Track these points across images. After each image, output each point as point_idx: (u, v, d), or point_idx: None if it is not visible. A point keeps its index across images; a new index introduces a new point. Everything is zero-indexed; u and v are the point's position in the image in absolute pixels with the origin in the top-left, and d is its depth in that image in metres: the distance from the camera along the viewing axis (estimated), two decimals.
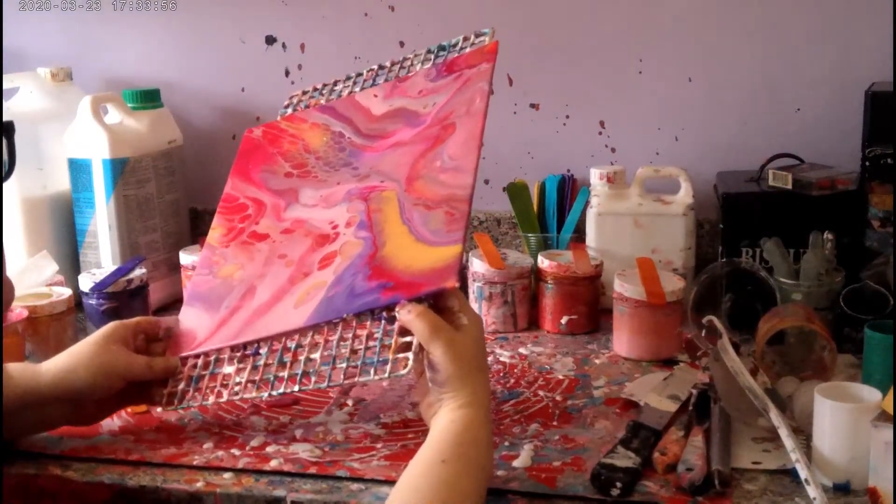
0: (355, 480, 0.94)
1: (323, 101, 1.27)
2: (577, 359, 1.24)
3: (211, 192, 1.58)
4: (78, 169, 1.43)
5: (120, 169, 1.42)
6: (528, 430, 1.03)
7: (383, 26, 1.56)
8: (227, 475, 0.96)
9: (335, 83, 1.29)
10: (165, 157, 1.50)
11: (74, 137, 1.43)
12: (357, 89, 1.25)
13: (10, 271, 1.30)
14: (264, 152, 1.24)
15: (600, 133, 1.55)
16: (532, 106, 1.56)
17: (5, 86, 1.47)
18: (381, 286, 0.98)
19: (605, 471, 0.91)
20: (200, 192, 1.64)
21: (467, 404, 0.89)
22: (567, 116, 1.55)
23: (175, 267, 1.46)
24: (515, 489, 0.91)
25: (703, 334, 1.15)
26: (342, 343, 0.97)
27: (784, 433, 0.91)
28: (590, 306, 1.33)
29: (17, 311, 1.18)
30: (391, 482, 0.86)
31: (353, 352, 0.96)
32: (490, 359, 1.24)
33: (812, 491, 0.85)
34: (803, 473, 0.87)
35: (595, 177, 1.41)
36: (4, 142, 1.01)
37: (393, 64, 1.25)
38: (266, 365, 1.01)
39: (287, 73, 1.62)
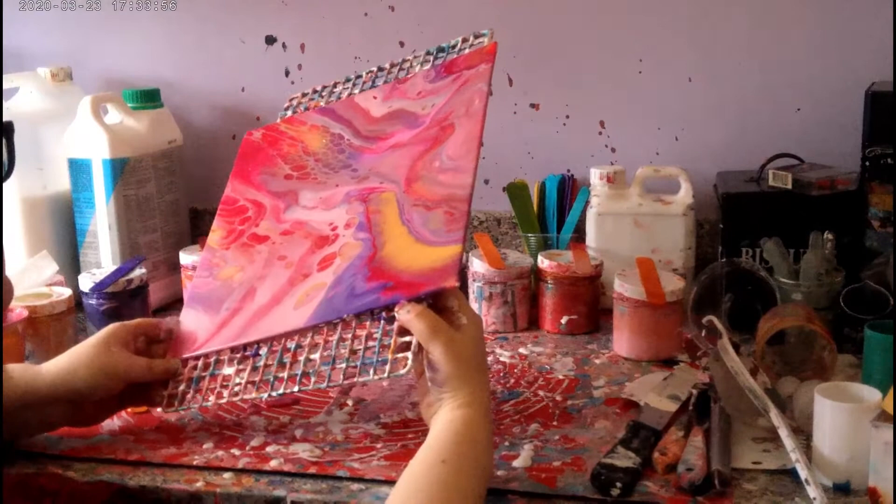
0: (355, 480, 0.94)
1: (322, 103, 1.27)
2: (577, 359, 1.24)
3: (211, 192, 1.58)
4: (78, 169, 1.43)
5: (120, 169, 1.42)
6: (528, 430, 1.03)
7: (383, 26, 1.56)
8: (227, 475, 0.96)
9: (334, 85, 1.29)
10: (165, 157, 1.50)
11: (74, 137, 1.43)
12: (356, 91, 1.25)
13: (10, 271, 1.30)
14: (264, 154, 1.24)
15: (600, 133, 1.55)
16: (532, 106, 1.56)
17: (5, 86, 1.47)
18: (381, 286, 0.98)
19: (605, 471, 0.91)
20: (200, 192, 1.64)
21: (467, 404, 0.89)
22: (567, 116, 1.55)
23: (175, 267, 1.46)
24: (515, 489, 0.91)
25: (703, 334, 1.15)
26: (342, 343, 0.98)
27: (784, 433, 0.91)
28: (590, 306, 1.33)
29: (17, 311, 1.18)
30: (391, 482, 0.86)
31: (353, 352, 0.96)
32: (490, 359, 1.24)
33: (812, 491, 0.85)
34: (803, 473, 0.87)
35: (595, 177, 1.41)
36: (4, 142, 1.01)
37: (392, 65, 1.25)
38: (266, 366, 1.01)
39: (287, 73, 1.62)
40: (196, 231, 1.59)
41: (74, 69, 1.59)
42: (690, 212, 1.37)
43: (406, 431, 1.04)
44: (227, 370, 1.03)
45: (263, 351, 1.02)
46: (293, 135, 1.24)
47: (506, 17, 1.52)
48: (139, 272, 1.32)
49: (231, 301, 1.09)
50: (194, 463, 0.98)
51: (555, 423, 1.06)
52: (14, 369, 0.99)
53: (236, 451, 1.00)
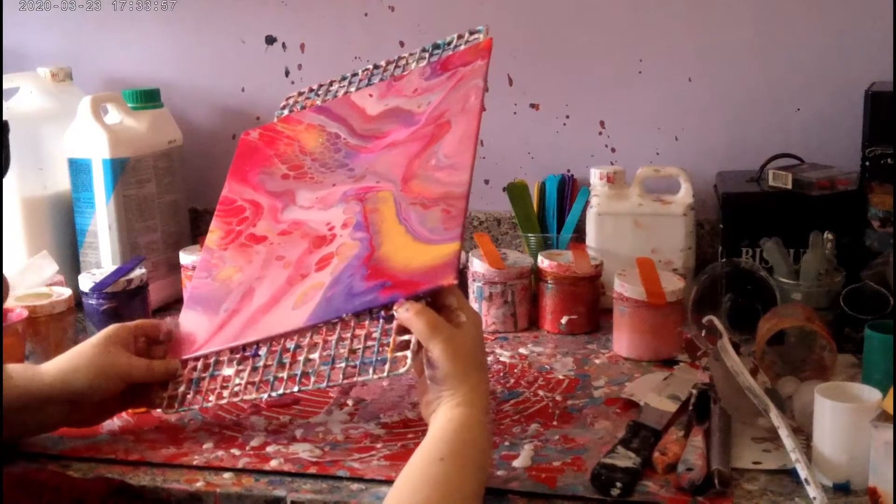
0: (355, 480, 0.94)
1: (319, 102, 1.27)
2: (577, 359, 1.24)
3: (211, 192, 1.58)
4: (78, 169, 1.43)
5: (120, 169, 1.42)
6: (528, 430, 1.03)
7: (383, 26, 1.56)
8: (227, 475, 0.96)
9: (331, 84, 1.29)
10: (165, 157, 1.50)
11: (74, 137, 1.43)
12: (352, 89, 1.25)
13: (10, 271, 1.30)
14: (261, 154, 1.24)
15: (600, 133, 1.55)
16: (532, 106, 1.56)
17: (5, 86, 1.47)
18: (380, 285, 0.98)
19: (605, 471, 0.91)
20: (200, 192, 1.64)
21: (465, 402, 0.89)
22: (567, 116, 1.55)
23: (175, 267, 1.46)
24: (515, 489, 0.91)
25: (703, 334, 1.15)
26: (341, 343, 0.97)
27: (784, 433, 0.91)
28: (590, 306, 1.33)
29: (17, 311, 1.18)
30: (391, 482, 0.86)
31: (352, 351, 0.96)
32: (490, 359, 1.24)
33: (812, 491, 0.85)
34: (803, 473, 0.87)
35: (595, 177, 1.41)
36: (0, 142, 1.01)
37: (388, 63, 1.25)
38: (266, 366, 1.01)
39: (287, 73, 1.62)
40: (196, 231, 1.59)
41: (74, 69, 1.59)
42: (690, 212, 1.37)
43: (406, 431, 1.04)
44: (227, 371, 1.03)
45: (263, 351, 1.02)
46: (290, 134, 1.24)
47: (506, 17, 1.52)
48: (139, 272, 1.32)
49: (230, 302, 1.09)
50: (194, 463, 0.98)
51: (555, 423, 1.05)
52: (13, 369, 0.99)
53: (236, 451, 1.00)
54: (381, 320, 0.96)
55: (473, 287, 1.36)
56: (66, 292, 1.27)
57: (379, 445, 1.00)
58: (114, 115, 1.48)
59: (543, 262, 1.34)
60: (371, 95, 1.22)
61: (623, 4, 1.49)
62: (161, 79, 1.63)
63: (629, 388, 1.12)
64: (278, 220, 1.15)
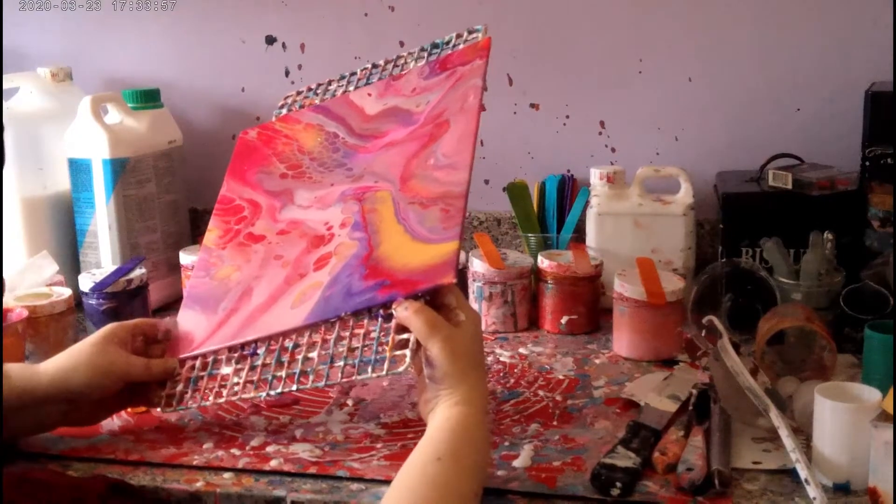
0: (355, 480, 0.94)
1: (317, 101, 1.27)
2: (577, 359, 1.24)
3: (211, 192, 1.57)
4: (78, 169, 1.43)
5: (120, 169, 1.42)
6: (528, 430, 1.03)
7: (383, 26, 1.56)
8: (227, 475, 0.96)
9: (329, 83, 1.29)
10: (165, 157, 1.50)
11: (74, 137, 1.43)
12: (351, 88, 1.25)
13: (10, 271, 1.30)
14: (259, 154, 1.24)
15: (600, 133, 1.55)
16: (532, 106, 1.56)
17: (5, 86, 1.47)
18: (378, 284, 0.98)
19: (605, 471, 0.91)
20: (200, 192, 1.64)
21: (464, 401, 0.89)
22: (567, 116, 1.55)
23: (175, 267, 1.46)
24: (515, 489, 0.91)
25: (703, 334, 1.15)
26: (340, 342, 0.97)
27: (784, 433, 0.91)
28: (590, 306, 1.33)
29: (17, 311, 1.18)
30: (391, 482, 0.86)
31: (351, 350, 0.96)
32: (490, 359, 1.24)
33: (812, 491, 0.85)
34: (803, 473, 0.87)
35: (595, 177, 1.41)
36: None
37: (387, 62, 1.25)
38: (264, 365, 1.01)
39: (287, 73, 1.62)
40: (196, 231, 1.59)
41: (74, 69, 1.59)
42: (690, 212, 1.37)
43: (406, 431, 1.04)
44: (226, 370, 1.03)
45: (261, 350, 1.02)
46: (288, 133, 1.24)
47: (506, 17, 1.52)
48: (139, 272, 1.32)
49: (228, 301, 1.09)
50: (194, 463, 0.98)
51: (555, 423, 1.05)
52: (11, 369, 0.99)
53: (236, 451, 1.00)
54: (379, 319, 0.96)
55: (473, 287, 1.36)
56: (66, 292, 1.27)
57: (379, 445, 1.00)
58: (114, 115, 1.48)
59: (543, 262, 1.34)
60: (370, 95, 1.22)
61: (623, 4, 1.49)
62: (161, 79, 1.63)
63: (629, 388, 1.12)
64: (277, 220, 1.15)
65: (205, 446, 1.01)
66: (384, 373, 0.92)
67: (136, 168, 1.44)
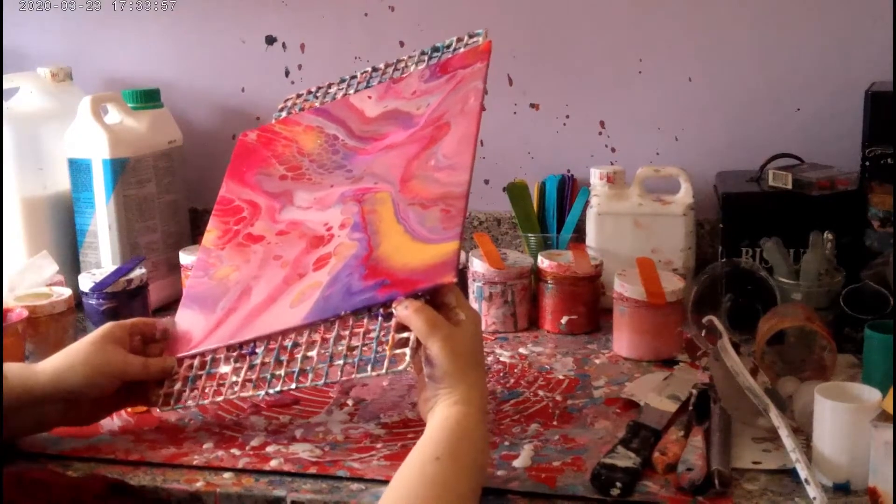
0: (355, 480, 0.94)
1: (317, 104, 1.27)
2: (577, 359, 1.24)
3: (211, 192, 1.57)
4: (78, 169, 1.43)
5: (120, 169, 1.42)
6: (528, 430, 1.03)
7: (383, 26, 1.56)
8: (227, 475, 0.96)
9: (329, 86, 1.29)
10: (165, 157, 1.50)
11: (74, 137, 1.43)
12: (351, 92, 1.25)
13: (10, 271, 1.30)
14: (259, 155, 1.24)
15: (600, 133, 1.55)
16: (532, 106, 1.56)
17: (5, 86, 1.47)
18: (378, 284, 0.98)
19: (605, 471, 0.91)
20: (200, 192, 1.64)
21: (463, 400, 0.89)
22: (567, 116, 1.55)
23: (175, 267, 1.46)
24: (515, 489, 0.91)
25: (703, 334, 1.15)
26: (339, 341, 0.97)
27: (784, 433, 0.91)
28: (590, 306, 1.33)
29: (17, 311, 1.18)
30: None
31: (351, 349, 0.96)
32: (490, 359, 1.24)
33: (812, 491, 0.85)
34: (803, 473, 0.87)
35: (595, 177, 1.41)
36: None
37: (387, 66, 1.26)
38: (263, 364, 1.01)
39: (287, 73, 1.62)
40: (196, 231, 1.59)
41: (74, 69, 1.59)
42: (690, 212, 1.37)
43: (406, 431, 1.03)
44: (224, 369, 1.03)
45: (260, 349, 1.02)
46: (288, 136, 1.24)
47: (506, 17, 1.52)
48: (139, 272, 1.32)
49: (227, 301, 1.09)
50: (194, 463, 0.98)
51: (555, 423, 1.05)
52: (10, 369, 0.99)
53: (236, 451, 1.00)
54: (379, 318, 0.96)
55: (473, 287, 1.36)
56: (66, 292, 1.27)
57: (379, 445, 1.00)
58: (114, 115, 1.48)
59: (543, 262, 1.34)
60: (370, 97, 1.22)
61: (623, 4, 1.49)
62: (161, 79, 1.63)
63: (629, 388, 1.12)
64: (276, 221, 1.15)
65: (205, 446, 1.01)
66: (384, 371, 0.92)
67: (136, 168, 1.44)
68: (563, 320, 1.33)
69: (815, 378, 1.06)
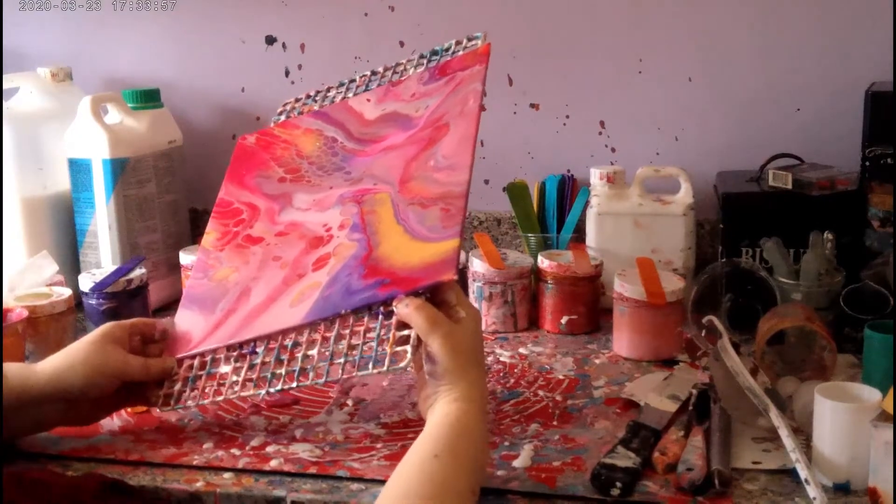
0: (355, 480, 0.94)
1: (316, 108, 1.27)
2: (577, 359, 1.24)
3: (211, 192, 1.57)
4: (78, 169, 1.43)
5: (120, 169, 1.42)
6: (528, 430, 1.03)
7: (383, 26, 1.56)
8: (227, 475, 0.96)
9: (328, 90, 1.29)
10: (165, 157, 1.50)
11: (74, 137, 1.43)
12: (350, 95, 1.25)
13: (10, 271, 1.30)
14: (258, 158, 1.24)
15: (600, 133, 1.55)
16: (532, 106, 1.56)
17: (5, 86, 1.47)
18: (378, 283, 0.98)
19: (605, 471, 0.91)
20: (200, 192, 1.64)
21: (463, 398, 0.89)
22: (567, 116, 1.55)
23: (175, 267, 1.46)
24: (515, 489, 0.91)
25: (703, 334, 1.15)
26: (340, 340, 0.97)
27: (784, 433, 0.91)
28: (590, 306, 1.33)
29: (17, 311, 1.18)
30: None
31: (352, 347, 0.96)
32: (490, 359, 1.24)
33: (812, 491, 0.85)
34: (803, 473, 0.87)
35: (595, 177, 1.41)
36: None
37: (386, 69, 1.26)
38: (263, 363, 1.01)
39: (287, 73, 1.62)
40: (196, 231, 1.59)
41: (74, 69, 1.59)
42: (690, 212, 1.37)
43: (406, 431, 1.03)
44: (224, 368, 1.03)
45: (260, 349, 1.02)
46: (287, 138, 1.25)
47: (506, 17, 1.52)
48: (139, 272, 1.32)
49: (226, 301, 1.09)
50: (194, 463, 0.98)
51: (555, 423, 1.05)
52: (9, 369, 0.99)
53: (236, 451, 1.00)
54: (380, 316, 0.96)
55: (473, 287, 1.36)
56: (66, 292, 1.27)
57: (379, 445, 1.00)
58: (114, 115, 1.48)
59: (543, 262, 1.34)
60: (369, 100, 1.22)
61: (623, 4, 1.49)
62: (161, 79, 1.63)
63: (629, 388, 1.12)
64: (275, 222, 1.15)
65: (205, 446, 1.01)
66: (385, 369, 0.92)
67: (136, 168, 1.44)
68: (563, 320, 1.33)
69: (815, 378, 1.06)
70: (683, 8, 1.47)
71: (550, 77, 1.54)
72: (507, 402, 1.11)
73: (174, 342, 1.08)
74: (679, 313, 1.24)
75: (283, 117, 1.30)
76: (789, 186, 1.30)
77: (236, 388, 1.01)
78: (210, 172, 1.63)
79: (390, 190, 1.08)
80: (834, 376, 1.09)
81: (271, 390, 0.99)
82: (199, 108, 1.67)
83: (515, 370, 1.21)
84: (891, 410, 0.86)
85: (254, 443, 1.02)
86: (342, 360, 0.96)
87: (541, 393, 1.14)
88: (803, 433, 0.97)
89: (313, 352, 0.98)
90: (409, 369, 0.92)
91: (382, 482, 0.92)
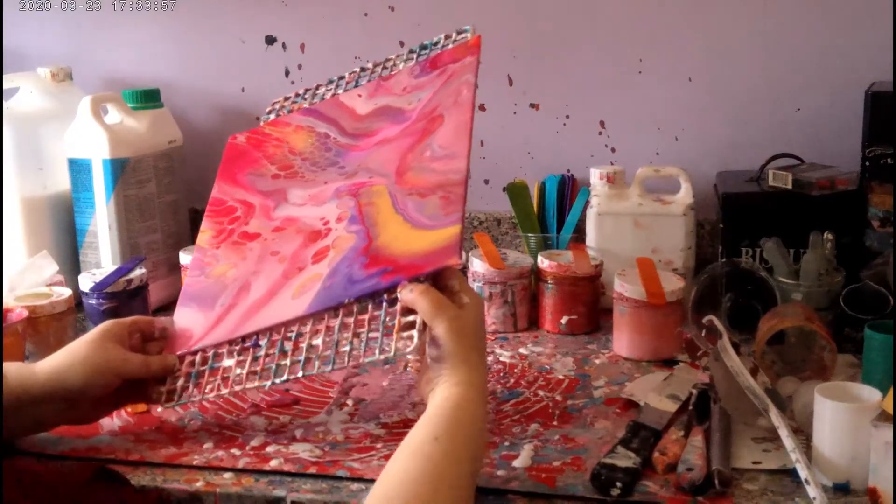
0: (355, 480, 0.94)
1: (306, 105, 1.27)
2: (577, 359, 1.24)
3: (211, 192, 1.58)
4: (78, 169, 1.43)
5: (120, 169, 1.42)
6: (528, 430, 1.03)
7: (383, 26, 1.56)
8: (227, 475, 0.96)
9: (317, 87, 1.29)
10: (165, 157, 1.50)
11: (74, 137, 1.43)
12: (340, 91, 1.25)
13: (10, 271, 1.30)
14: (249, 157, 1.23)
15: (600, 133, 1.55)
16: (532, 106, 1.56)
17: (5, 86, 1.47)
18: (380, 271, 0.98)
19: (605, 471, 0.91)
20: (200, 192, 1.63)
21: (464, 382, 0.89)
22: (567, 116, 1.55)
23: (175, 267, 1.46)
24: (515, 489, 0.91)
25: (703, 334, 1.15)
26: (344, 329, 0.97)
27: (784, 433, 0.91)
28: (590, 306, 1.33)
29: (17, 311, 1.18)
30: None
31: (356, 335, 0.96)
32: (490, 359, 1.24)
33: (812, 491, 0.85)
34: (803, 473, 0.87)
35: (595, 177, 1.41)
36: None
37: (375, 65, 1.26)
38: (267, 355, 1.00)
39: (287, 73, 1.62)
40: (196, 231, 1.57)
41: (74, 69, 1.59)
42: (690, 212, 1.37)
43: (406, 431, 1.03)
44: (228, 362, 1.03)
45: (263, 342, 1.02)
46: (278, 136, 1.24)
47: (506, 17, 1.52)
48: (139, 272, 1.32)
49: (226, 297, 1.09)
50: (194, 463, 0.98)
51: (555, 423, 1.05)
52: (8, 368, 0.98)
53: (236, 451, 1.00)
54: (384, 304, 0.96)
55: (473, 287, 1.36)
56: (66, 292, 1.27)
57: (379, 445, 1.00)
58: (114, 115, 1.48)
59: (543, 262, 1.34)
60: (360, 96, 1.22)
61: (623, 4, 1.49)
62: (161, 79, 1.63)
63: (629, 388, 1.12)
64: (271, 218, 1.15)
65: (205, 446, 1.01)
66: (392, 354, 0.92)
67: (136, 168, 1.44)
68: (563, 320, 1.33)
69: (815, 378, 1.06)
70: (683, 8, 1.47)
71: (550, 77, 1.54)
72: (507, 402, 1.11)
73: (174, 339, 1.08)
74: (679, 313, 1.24)
75: (272, 116, 1.30)
76: (789, 186, 1.30)
77: (241, 381, 1.00)
78: (210, 172, 1.61)
79: (387, 182, 1.08)
80: (834, 376, 1.09)
81: (276, 381, 0.98)
82: (199, 108, 1.67)
83: (515, 370, 1.21)
84: (891, 410, 0.86)
85: (254, 443, 1.02)
86: (348, 348, 0.95)
87: (541, 393, 1.13)
88: (803, 433, 0.97)
89: (318, 341, 0.98)
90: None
91: None
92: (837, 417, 0.89)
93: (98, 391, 1.00)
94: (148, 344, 1.08)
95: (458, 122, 1.06)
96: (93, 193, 1.42)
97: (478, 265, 1.35)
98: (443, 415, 0.86)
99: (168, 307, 1.46)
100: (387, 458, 0.96)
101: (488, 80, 1.52)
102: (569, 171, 1.55)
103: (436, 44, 1.22)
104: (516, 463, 0.96)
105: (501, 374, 1.19)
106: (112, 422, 1.07)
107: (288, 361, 0.99)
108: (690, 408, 1.03)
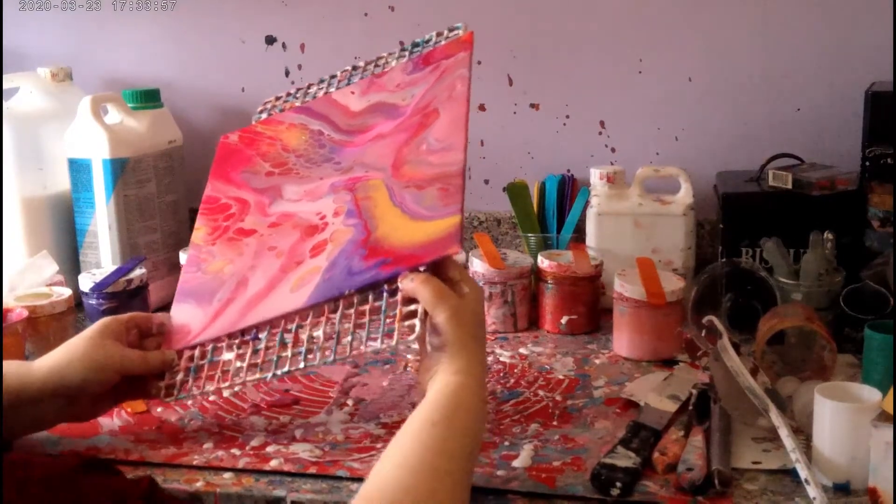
0: (355, 480, 0.94)
1: (298, 104, 1.27)
2: (577, 359, 1.24)
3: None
4: (78, 169, 1.43)
5: (120, 169, 1.42)
6: (528, 430, 1.03)
7: (383, 26, 1.56)
8: (227, 475, 0.96)
9: (309, 86, 1.29)
10: (165, 157, 1.49)
11: (74, 137, 1.43)
12: (332, 90, 1.25)
13: (10, 271, 1.30)
14: (242, 155, 1.23)
15: (600, 133, 1.55)
16: (532, 106, 1.56)
17: (5, 86, 1.47)
18: (380, 262, 0.98)
19: (605, 471, 0.91)
20: (200, 192, 1.61)
21: (463, 370, 0.89)
22: (567, 116, 1.55)
23: (175, 267, 1.46)
24: (515, 489, 0.91)
25: (703, 334, 1.15)
26: (345, 320, 0.97)
27: (784, 433, 0.91)
28: (590, 306, 1.33)
29: (17, 311, 1.18)
30: None
31: (358, 325, 0.96)
32: (490, 359, 1.24)
33: (812, 491, 0.85)
34: (803, 473, 0.87)
35: (595, 177, 1.41)
36: None
37: (367, 63, 1.26)
38: (268, 348, 1.00)
39: (287, 73, 1.62)
40: None
41: (74, 69, 1.59)
42: (690, 212, 1.37)
43: None
44: (227, 356, 1.02)
45: (263, 335, 1.02)
46: (271, 135, 1.24)
47: (506, 17, 1.52)
48: (139, 272, 1.32)
49: (224, 292, 1.08)
50: (194, 463, 0.98)
51: (555, 423, 1.05)
52: (6, 367, 0.98)
53: (236, 451, 1.00)
54: (384, 294, 0.96)
55: None
56: (66, 292, 1.27)
57: (379, 445, 1.00)
58: (114, 115, 1.48)
59: (543, 262, 1.34)
60: (353, 93, 1.22)
61: (623, 4, 1.49)
62: (161, 79, 1.63)
63: (629, 388, 1.12)
64: (267, 214, 1.14)
65: (205, 446, 1.01)
66: (394, 342, 0.92)
67: (136, 168, 1.44)
68: (563, 320, 1.33)
69: (815, 378, 1.06)
70: (683, 8, 1.47)
71: (550, 77, 1.54)
72: (507, 402, 1.11)
73: (172, 335, 1.08)
74: (679, 313, 1.24)
75: (264, 115, 1.30)
76: (789, 186, 1.30)
77: (241, 374, 1.00)
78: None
79: (383, 176, 1.07)
80: (834, 376, 1.09)
81: (278, 372, 0.98)
82: (199, 108, 1.67)
83: (515, 370, 1.21)
84: (891, 410, 0.86)
85: (254, 443, 1.01)
86: (349, 339, 0.95)
87: (541, 393, 1.13)
88: (803, 433, 0.97)
89: (318, 332, 0.98)
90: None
91: None
92: (837, 417, 0.89)
93: (97, 388, 1.00)
94: (146, 340, 1.07)
95: (453, 116, 1.06)
96: (93, 193, 1.42)
97: (478, 265, 1.35)
98: (441, 401, 0.87)
99: (168, 307, 1.45)
100: None
101: (488, 80, 1.52)
102: (569, 171, 1.55)
103: (428, 41, 1.22)
104: (516, 463, 0.96)
105: (501, 374, 1.19)
106: (112, 422, 1.07)
107: (289, 353, 0.98)
108: (690, 408, 1.03)
